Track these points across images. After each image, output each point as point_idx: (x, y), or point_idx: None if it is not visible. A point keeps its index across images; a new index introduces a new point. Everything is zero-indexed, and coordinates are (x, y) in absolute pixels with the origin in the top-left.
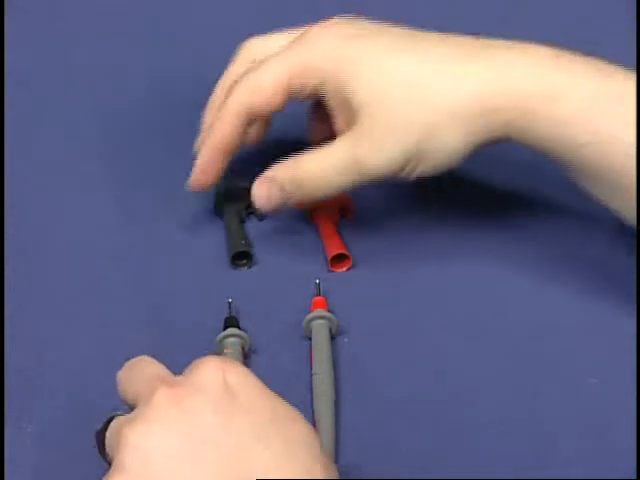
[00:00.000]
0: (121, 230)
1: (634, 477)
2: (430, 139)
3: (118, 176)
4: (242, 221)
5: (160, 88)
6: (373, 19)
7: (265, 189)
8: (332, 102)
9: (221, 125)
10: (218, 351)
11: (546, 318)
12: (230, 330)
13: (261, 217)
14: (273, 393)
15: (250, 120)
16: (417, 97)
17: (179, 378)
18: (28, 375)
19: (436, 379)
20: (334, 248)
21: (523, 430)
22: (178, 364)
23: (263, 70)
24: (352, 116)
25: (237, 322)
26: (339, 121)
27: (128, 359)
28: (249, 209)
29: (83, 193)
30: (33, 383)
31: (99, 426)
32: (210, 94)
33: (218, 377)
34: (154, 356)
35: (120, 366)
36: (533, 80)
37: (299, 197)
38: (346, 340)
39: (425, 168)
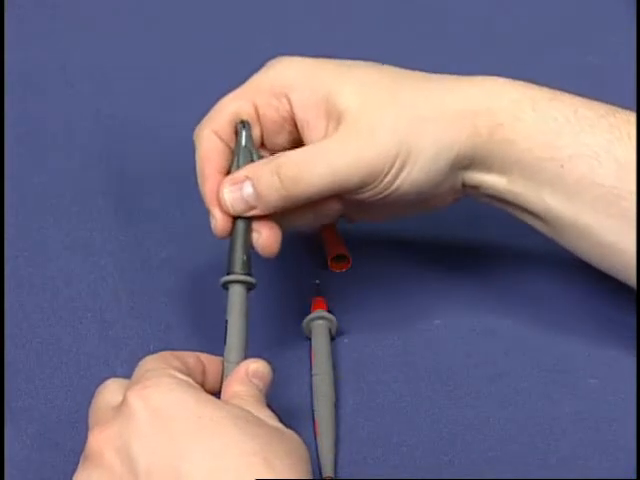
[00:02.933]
0: (122, 229)
1: (634, 477)
2: (417, 135)
3: (118, 175)
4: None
5: (160, 87)
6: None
7: (237, 190)
8: (305, 113)
9: (201, 151)
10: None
11: (546, 318)
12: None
13: None
14: (199, 402)
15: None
16: (404, 98)
17: (112, 414)
18: (28, 375)
19: (436, 379)
20: (334, 248)
21: (523, 430)
22: None
23: (226, 100)
24: (335, 120)
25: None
26: (313, 133)
27: (127, 359)
28: None
29: (83, 192)
30: (33, 383)
31: None
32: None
33: (141, 405)
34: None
35: (119, 366)
36: (521, 92)
37: (279, 202)
38: (346, 341)
39: (409, 175)
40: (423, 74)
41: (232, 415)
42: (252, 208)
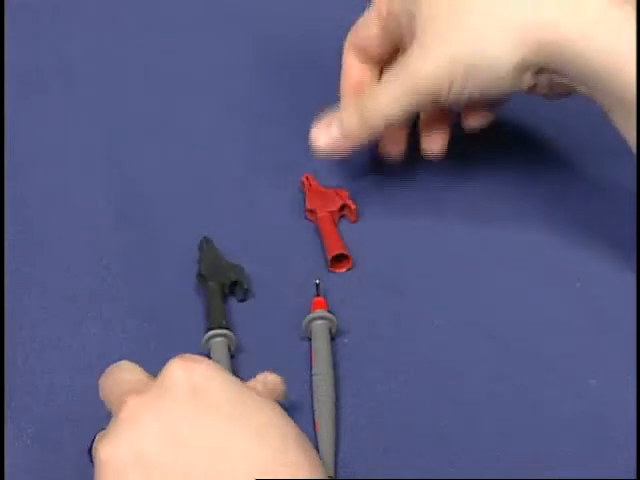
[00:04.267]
0: (122, 229)
1: (634, 477)
2: (478, 48)
3: (119, 175)
4: (224, 296)
5: (161, 86)
6: None
7: (325, 129)
8: (403, 27)
9: (343, 66)
10: (204, 350)
11: (546, 318)
12: (217, 330)
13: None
14: (238, 385)
15: (363, 56)
16: (469, 6)
17: (148, 384)
18: (28, 375)
19: (436, 379)
20: (334, 248)
21: (523, 430)
22: None
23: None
24: (414, 34)
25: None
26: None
27: (127, 360)
28: (231, 287)
29: (84, 192)
30: (33, 383)
31: (89, 444)
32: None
33: (183, 377)
34: (154, 357)
35: None
36: (597, 11)
37: (362, 132)
38: (346, 340)
39: (474, 87)
40: None
41: (269, 403)
42: (343, 143)
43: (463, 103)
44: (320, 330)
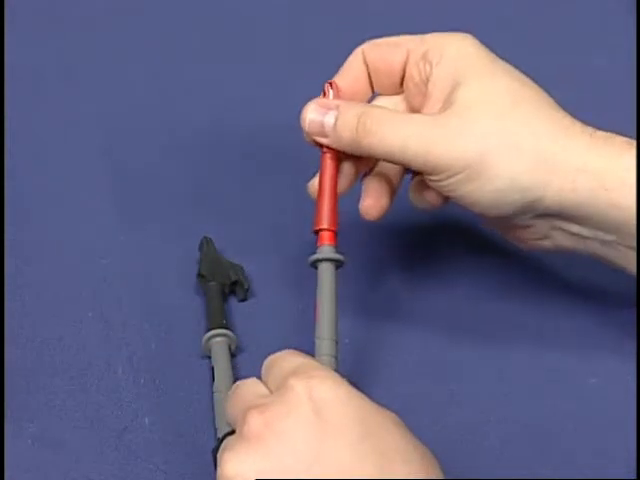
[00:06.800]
0: (122, 229)
1: (634, 477)
2: (499, 158)
3: (120, 174)
4: (224, 296)
5: (161, 86)
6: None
7: (321, 114)
8: (434, 86)
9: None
10: (204, 350)
11: (546, 318)
12: (217, 330)
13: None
14: (364, 401)
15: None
16: (514, 117)
17: (269, 399)
18: (28, 375)
19: (436, 379)
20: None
21: (523, 430)
22: (178, 365)
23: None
24: (443, 106)
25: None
26: (415, 96)
27: (128, 359)
28: (231, 287)
29: (84, 192)
30: (33, 383)
31: (215, 444)
32: (207, 90)
33: (305, 397)
34: (154, 357)
35: (120, 366)
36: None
37: (349, 143)
38: (347, 341)
39: (471, 189)
40: (566, 116)
41: (393, 421)
42: (324, 137)
43: (453, 196)
44: (324, 270)
